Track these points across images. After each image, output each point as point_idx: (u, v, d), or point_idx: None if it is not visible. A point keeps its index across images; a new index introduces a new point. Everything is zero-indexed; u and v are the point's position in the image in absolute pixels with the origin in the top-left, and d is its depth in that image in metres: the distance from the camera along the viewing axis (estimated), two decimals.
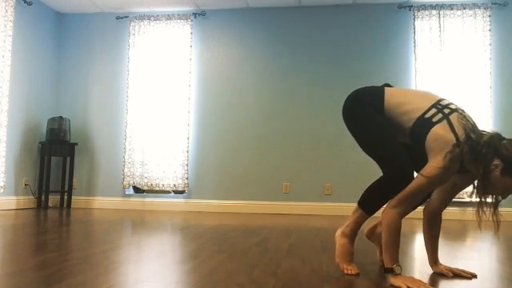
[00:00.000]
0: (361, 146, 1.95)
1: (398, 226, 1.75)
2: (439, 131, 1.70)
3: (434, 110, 1.76)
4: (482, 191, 1.69)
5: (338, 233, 1.99)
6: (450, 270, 1.94)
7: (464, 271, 1.94)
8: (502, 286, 1.83)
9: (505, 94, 5.35)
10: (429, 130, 1.72)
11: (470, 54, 5.38)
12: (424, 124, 1.75)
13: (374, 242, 2.20)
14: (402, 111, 1.83)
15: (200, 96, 5.92)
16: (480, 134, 1.70)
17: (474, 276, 1.91)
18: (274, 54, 5.86)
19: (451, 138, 1.68)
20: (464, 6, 5.46)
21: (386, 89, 1.93)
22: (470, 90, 5.26)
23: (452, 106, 1.78)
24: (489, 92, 5.30)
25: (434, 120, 1.73)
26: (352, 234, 1.95)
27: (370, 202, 1.91)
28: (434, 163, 1.68)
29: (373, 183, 1.91)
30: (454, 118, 1.73)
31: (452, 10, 5.48)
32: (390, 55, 5.62)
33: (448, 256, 2.38)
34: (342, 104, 2.02)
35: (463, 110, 1.78)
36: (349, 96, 2.00)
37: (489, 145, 1.64)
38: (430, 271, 1.99)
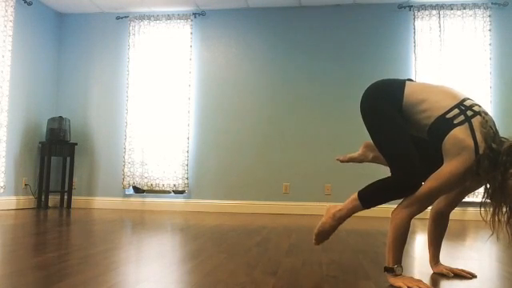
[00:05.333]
0: (374, 142, 1.88)
1: (407, 227, 1.73)
2: (459, 135, 1.65)
3: (456, 111, 1.70)
4: (498, 200, 1.64)
5: (331, 210, 1.92)
6: (451, 270, 1.94)
7: (464, 271, 1.93)
8: (502, 286, 1.83)
9: (505, 94, 5.35)
10: (448, 132, 1.67)
11: (469, 54, 5.37)
12: (444, 124, 1.69)
13: (360, 150, 2.14)
14: (421, 108, 1.76)
15: (200, 96, 5.92)
16: (501, 141, 1.65)
17: (474, 276, 1.91)
18: (274, 53, 5.86)
19: (470, 143, 1.63)
20: (464, 6, 5.46)
21: (407, 83, 1.85)
22: (470, 90, 5.24)
23: (475, 108, 1.71)
24: (489, 92, 5.30)
25: (456, 122, 1.67)
26: (341, 221, 1.90)
27: (371, 198, 1.85)
28: (449, 168, 1.65)
29: (379, 181, 1.84)
30: (476, 121, 1.67)
31: (452, 10, 5.48)
32: (390, 55, 5.62)
33: (448, 256, 2.38)
34: (360, 97, 1.94)
35: (486, 113, 1.71)
36: (368, 89, 1.92)
37: (509, 153, 1.59)
38: (430, 271, 1.98)
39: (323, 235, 1.94)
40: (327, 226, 1.91)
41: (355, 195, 1.87)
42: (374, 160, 2.10)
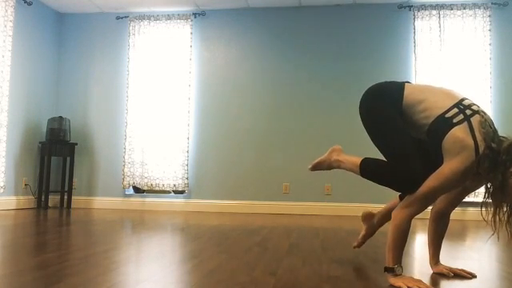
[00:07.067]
0: (374, 143, 1.89)
1: (407, 227, 1.73)
2: (458, 134, 1.65)
3: (455, 110, 1.70)
4: (499, 199, 1.64)
5: (333, 156, 2.06)
6: (451, 269, 1.94)
7: (464, 271, 1.93)
8: (501, 286, 1.83)
9: (505, 94, 5.35)
10: (448, 131, 1.67)
11: (469, 54, 5.37)
12: (443, 123, 1.70)
13: (364, 225, 2.26)
14: (420, 108, 1.77)
15: (200, 96, 5.92)
16: (500, 140, 1.65)
17: (474, 276, 1.91)
18: (274, 53, 5.86)
19: (470, 142, 1.63)
20: (464, 6, 5.46)
21: (406, 85, 1.87)
22: (470, 90, 5.24)
23: (474, 108, 1.72)
24: (489, 92, 5.30)
25: (455, 121, 1.68)
26: (335, 168, 2.05)
27: (370, 173, 1.88)
28: (449, 167, 1.66)
29: (387, 164, 1.82)
30: (475, 120, 1.67)
31: (452, 10, 5.48)
32: (390, 55, 5.62)
33: (448, 256, 2.38)
34: (359, 99, 1.96)
35: (485, 113, 1.72)
36: (367, 91, 1.94)
37: (508, 152, 1.60)
38: (430, 271, 1.98)
39: (318, 168, 2.14)
40: (325, 165, 2.11)
41: (359, 161, 1.92)
42: (381, 223, 2.18)
